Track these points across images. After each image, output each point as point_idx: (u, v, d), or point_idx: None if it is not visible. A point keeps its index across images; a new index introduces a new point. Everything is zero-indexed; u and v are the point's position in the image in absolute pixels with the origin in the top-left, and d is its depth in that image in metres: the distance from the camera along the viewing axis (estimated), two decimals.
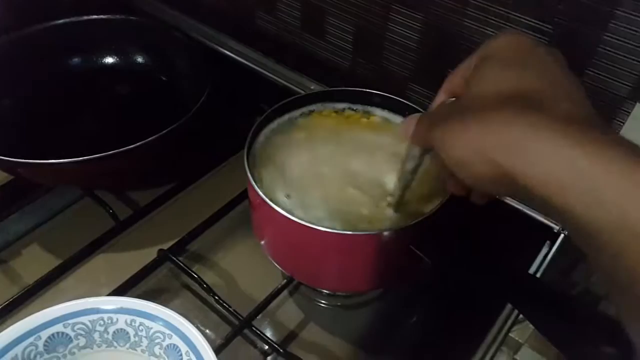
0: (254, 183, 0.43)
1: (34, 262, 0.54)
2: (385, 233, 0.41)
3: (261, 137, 0.49)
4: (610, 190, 0.24)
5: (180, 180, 0.61)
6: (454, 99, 0.37)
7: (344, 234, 0.40)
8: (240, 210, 0.57)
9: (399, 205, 0.44)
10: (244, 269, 0.55)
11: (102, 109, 0.66)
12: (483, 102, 0.30)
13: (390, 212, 0.44)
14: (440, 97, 0.38)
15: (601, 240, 0.24)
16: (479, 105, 0.31)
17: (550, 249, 0.49)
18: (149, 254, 0.53)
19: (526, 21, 0.47)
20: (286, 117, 0.51)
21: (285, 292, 0.52)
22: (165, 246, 0.53)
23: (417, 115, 0.37)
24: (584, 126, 0.27)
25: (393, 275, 0.46)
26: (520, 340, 0.49)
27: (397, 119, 0.51)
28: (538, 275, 0.49)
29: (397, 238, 0.41)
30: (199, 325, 0.49)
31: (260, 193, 0.42)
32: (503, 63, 0.32)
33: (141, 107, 0.66)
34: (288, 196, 0.44)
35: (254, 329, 0.47)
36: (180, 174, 0.62)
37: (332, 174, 0.46)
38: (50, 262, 0.53)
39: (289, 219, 0.40)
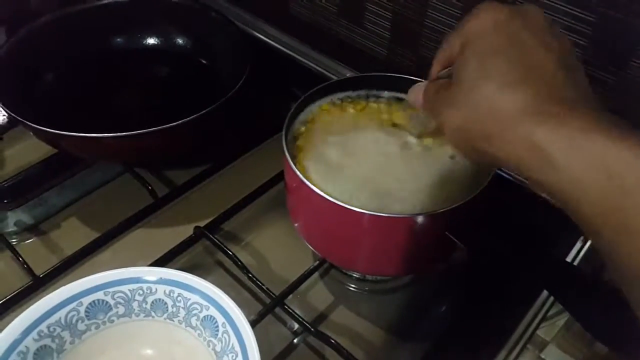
0: (291, 163, 0.43)
1: (73, 234, 0.56)
2: (420, 217, 0.41)
3: (299, 120, 0.49)
4: None
5: (217, 161, 0.62)
6: (448, 69, 0.37)
7: (379, 215, 0.40)
8: (275, 192, 0.58)
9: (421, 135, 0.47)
10: (277, 250, 0.55)
11: (143, 88, 0.67)
12: (475, 97, 0.31)
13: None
14: (435, 68, 0.39)
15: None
16: (459, 94, 0.32)
17: (586, 241, 0.49)
18: (186, 231, 0.54)
19: (566, 9, 0.46)
20: (324, 100, 0.51)
21: (316, 275, 0.52)
22: (202, 224, 0.54)
23: (423, 83, 0.39)
24: (602, 122, 0.27)
25: (426, 260, 0.46)
26: (546, 339, 0.49)
27: None
28: None
29: (432, 222, 0.41)
30: None
31: (298, 172, 0.42)
32: (480, 51, 0.32)
33: (181, 88, 0.67)
34: (325, 177, 0.45)
35: (287, 307, 0.48)
36: (217, 155, 0.63)
37: (369, 158, 0.46)
38: (88, 236, 0.54)
39: (325, 199, 0.41)
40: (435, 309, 0.53)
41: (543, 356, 0.48)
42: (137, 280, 0.42)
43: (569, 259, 0.48)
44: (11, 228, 0.56)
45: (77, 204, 0.59)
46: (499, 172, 0.46)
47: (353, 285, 0.54)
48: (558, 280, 0.37)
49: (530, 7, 0.33)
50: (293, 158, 0.46)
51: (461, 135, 0.33)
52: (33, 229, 0.57)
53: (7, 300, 0.48)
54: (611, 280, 0.49)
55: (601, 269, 0.49)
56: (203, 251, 0.55)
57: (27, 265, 0.51)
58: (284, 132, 0.47)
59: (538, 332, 0.48)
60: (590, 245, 0.49)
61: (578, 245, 0.49)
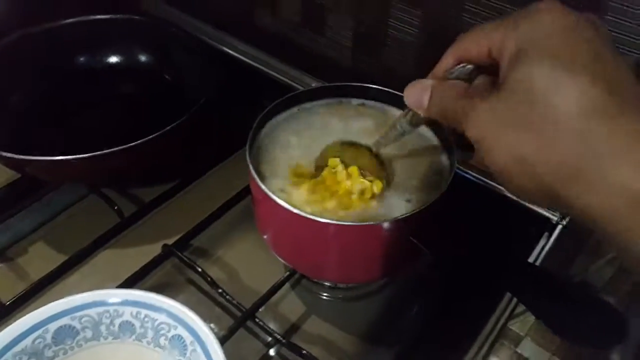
0: (255, 176, 0.43)
1: (41, 259, 0.55)
2: (385, 224, 0.41)
3: (263, 132, 0.50)
4: None
5: (184, 177, 0.62)
6: (469, 66, 0.33)
7: (344, 224, 0.41)
8: (243, 205, 0.58)
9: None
10: (247, 263, 0.55)
11: (107, 107, 0.67)
12: (532, 109, 0.26)
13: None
14: (448, 61, 0.34)
15: None
16: (528, 113, 0.26)
17: (548, 240, 0.50)
18: (154, 250, 0.54)
19: None
20: (288, 112, 0.52)
21: (287, 285, 0.53)
22: (170, 241, 0.54)
23: (426, 81, 0.34)
24: None
25: (393, 265, 0.47)
26: (521, 333, 0.49)
27: (396, 112, 0.52)
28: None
29: (396, 229, 0.42)
30: (204, 319, 0.50)
31: (262, 186, 0.42)
32: (552, 60, 0.26)
33: (146, 105, 0.67)
34: (284, 191, 0.45)
35: (257, 320, 0.48)
36: (184, 171, 0.63)
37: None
38: (56, 259, 0.54)
39: (291, 211, 0.41)
40: (407, 312, 0.53)
41: (519, 350, 0.49)
42: (102, 303, 0.42)
43: (531, 259, 0.49)
44: None
45: (43, 227, 0.58)
46: (458, 171, 0.47)
47: (325, 294, 0.54)
48: (519, 281, 0.37)
49: (595, 17, 0.28)
50: (259, 169, 0.46)
51: (526, 170, 0.26)
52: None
53: None
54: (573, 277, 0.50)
55: (562, 267, 0.51)
56: (173, 269, 0.54)
57: None
58: (248, 145, 0.47)
59: (512, 327, 0.48)
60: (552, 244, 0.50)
61: (540, 244, 0.50)
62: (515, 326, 0.48)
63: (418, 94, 0.35)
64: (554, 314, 0.36)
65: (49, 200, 0.60)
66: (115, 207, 0.57)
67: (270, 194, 0.42)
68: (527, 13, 0.28)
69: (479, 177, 0.53)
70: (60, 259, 0.54)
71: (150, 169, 0.61)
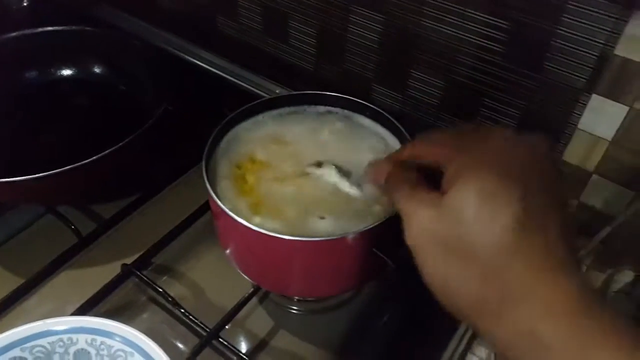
0: (211, 192, 0.42)
1: None
2: (347, 237, 0.40)
3: (222, 144, 0.48)
4: None
5: (144, 192, 0.60)
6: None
7: (306, 240, 0.40)
8: (205, 219, 0.57)
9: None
10: (212, 279, 0.54)
11: (61, 122, 0.65)
12: (460, 236, 0.27)
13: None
14: (404, 154, 0.36)
15: None
16: (456, 238, 0.27)
17: None
18: (114, 269, 0.52)
19: (482, 18, 0.47)
20: (247, 122, 0.50)
21: (254, 300, 0.51)
22: (130, 260, 0.52)
23: (385, 165, 0.36)
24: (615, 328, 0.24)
25: (358, 278, 0.46)
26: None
27: (359, 118, 0.51)
28: None
29: (359, 241, 0.41)
30: (169, 337, 0.49)
31: (219, 203, 0.41)
32: (480, 188, 0.27)
33: (101, 118, 0.65)
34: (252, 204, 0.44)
35: (222, 340, 0.46)
36: (143, 185, 0.61)
37: (294, 176, 0.46)
38: (13, 282, 0.52)
39: (250, 228, 0.40)
40: (378, 320, 0.53)
41: None
42: (54, 332, 0.40)
43: None
44: None
45: None
46: None
47: (294, 307, 0.53)
48: None
49: (537, 141, 0.30)
50: (216, 184, 0.44)
51: (447, 290, 0.28)
52: None
53: None
54: None
55: None
56: (134, 288, 0.53)
57: None
58: (204, 158, 0.45)
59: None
60: None
61: None
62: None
63: (378, 174, 0.37)
64: None
65: (5, 221, 0.57)
66: (73, 227, 0.55)
67: (225, 209, 0.41)
68: (476, 137, 0.31)
69: None
70: (17, 282, 0.52)
71: (108, 184, 0.59)
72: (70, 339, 0.40)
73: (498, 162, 0.28)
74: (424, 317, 0.51)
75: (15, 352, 0.39)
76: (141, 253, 0.53)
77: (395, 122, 0.48)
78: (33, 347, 0.40)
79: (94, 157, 0.49)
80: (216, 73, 0.68)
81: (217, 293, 0.53)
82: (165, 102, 0.56)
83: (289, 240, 0.39)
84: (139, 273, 0.51)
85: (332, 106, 0.52)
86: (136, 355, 0.39)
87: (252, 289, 0.50)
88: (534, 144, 0.30)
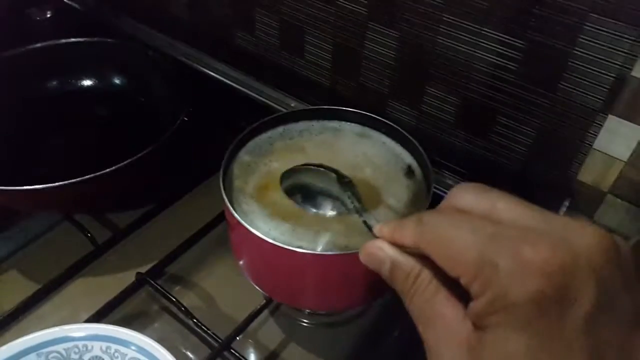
0: (228, 204, 0.43)
1: (13, 288, 0.54)
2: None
3: (239, 157, 0.49)
4: None
5: (160, 202, 0.61)
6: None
7: (320, 254, 0.40)
8: (220, 230, 0.57)
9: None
10: (224, 289, 0.54)
11: (80, 132, 0.66)
12: None
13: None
14: (406, 242, 0.29)
15: None
16: None
17: None
18: (128, 278, 0.52)
19: (497, 37, 0.47)
20: (264, 136, 0.51)
21: (265, 312, 0.52)
22: (144, 269, 0.53)
23: (386, 251, 0.30)
24: None
25: (373, 291, 0.46)
26: None
27: (374, 134, 0.51)
28: None
29: None
30: (180, 347, 0.49)
31: (235, 214, 0.42)
32: (529, 339, 0.22)
33: (120, 129, 0.66)
34: (269, 217, 0.44)
35: (233, 351, 0.47)
36: (159, 196, 0.62)
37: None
38: (29, 288, 0.52)
39: (265, 240, 0.40)
40: (390, 334, 0.52)
41: None
42: (70, 338, 0.40)
43: None
44: None
45: (15, 256, 0.57)
46: (436, 192, 0.46)
47: (305, 320, 0.53)
48: None
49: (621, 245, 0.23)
50: (233, 196, 0.45)
51: None
52: None
53: None
54: None
55: None
56: (147, 297, 0.53)
57: None
58: (221, 170, 0.46)
59: None
60: None
61: None
62: None
63: (377, 262, 0.30)
64: None
65: (21, 228, 0.58)
66: (89, 235, 0.55)
67: (242, 221, 0.41)
68: (513, 243, 0.23)
69: None
70: (33, 288, 0.52)
71: (125, 194, 0.59)
72: (85, 345, 0.41)
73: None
74: None
75: (32, 357, 0.40)
76: (155, 262, 0.54)
77: (411, 138, 0.49)
78: (49, 352, 0.40)
79: (112, 168, 0.50)
80: (233, 86, 0.68)
81: (229, 304, 0.53)
82: (182, 114, 0.57)
83: (303, 253, 0.40)
84: (152, 282, 0.51)
85: (348, 121, 0.53)
86: None
87: (264, 301, 0.50)
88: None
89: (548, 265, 0.21)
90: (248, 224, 0.41)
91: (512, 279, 0.22)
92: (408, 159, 0.49)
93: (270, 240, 0.40)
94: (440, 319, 0.26)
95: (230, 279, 0.55)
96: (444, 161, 0.57)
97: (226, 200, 0.43)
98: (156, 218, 0.60)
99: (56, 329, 0.41)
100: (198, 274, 0.56)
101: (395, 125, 0.50)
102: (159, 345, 0.39)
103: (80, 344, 0.40)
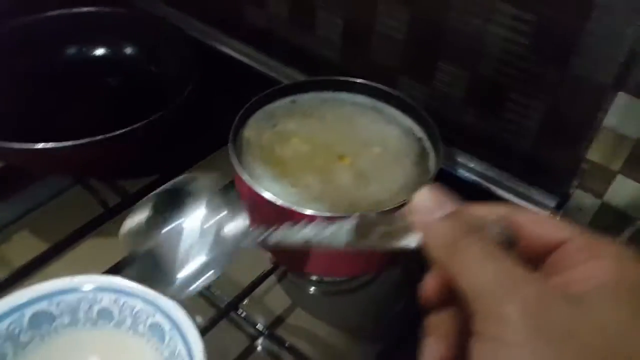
0: (237, 165, 0.43)
1: (24, 247, 0.54)
2: (372, 216, 0.41)
3: (247, 125, 0.49)
4: None
5: (169, 170, 0.61)
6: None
7: (330, 216, 0.41)
8: None
9: None
10: None
11: (92, 99, 0.67)
12: None
13: (378, 193, 0.44)
14: (480, 212, 0.24)
15: None
16: None
17: None
18: None
19: (509, 11, 0.47)
20: (274, 104, 0.51)
21: (272, 278, 0.52)
22: None
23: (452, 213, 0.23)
24: None
25: (382, 259, 0.46)
26: None
27: (385, 107, 0.52)
28: None
29: None
30: (185, 309, 0.50)
31: (244, 175, 0.42)
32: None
33: (131, 97, 0.66)
34: (277, 180, 0.45)
35: (240, 312, 0.47)
36: (168, 165, 0.62)
37: (321, 155, 0.47)
38: (40, 248, 0.53)
39: (274, 203, 0.41)
40: (394, 306, 0.53)
41: None
42: (79, 289, 0.41)
43: None
44: None
45: (27, 217, 0.58)
46: (445, 169, 0.46)
47: (311, 288, 0.53)
48: None
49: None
50: (242, 162, 0.46)
51: None
52: None
53: None
54: None
55: None
56: None
57: None
58: (231, 136, 0.46)
59: None
60: None
61: None
62: None
63: (429, 213, 0.23)
64: None
65: (34, 189, 0.59)
66: (100, 198, 0.56)
67: (251, 183, 0.42)
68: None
69: (467, 174, 0.53)
70: (44, 247, 0.53)
71: (135, 160, 0.60)
72: (94, 297, 0.41)
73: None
74: None
75: (43, 305, 0.40)
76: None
77: (422, 111, 0.49)
78: (60, 302, 0.41)
79: (122, 131, 0.51)
80: (243, 62, 0.69)
81: (235, 271, 0.53)
82: (192, 83, 0.57)
83: (312, 215, 0.40)
84: None
85: (359, 93, 0.53)
86: (157, 315, 0.40)
87: (271, 266, 0.51)
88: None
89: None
90: (257, 188, 0.42)
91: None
92: (419, 133, 0.50)
93: (280, 202, 0.41)
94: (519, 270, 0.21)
95: None
96: (454, 139, 0.57)
97: (236, 162, 0.44)
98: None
99: (67, 279, 0.41)
100: None
101: (406, 98, 0.51)
102: (167, 298, 0.40)
103: (90, 295, 0.41)
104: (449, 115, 0.57)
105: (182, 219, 0.36)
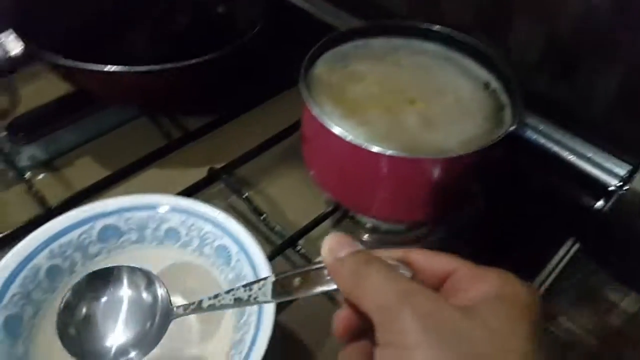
0: (309, 103, 0.43)
1: (86, 172, 0.55)
2: (442, 158, 0.40)
3: (318, 64, 0.49)
4: None
5: (235, 109, 0.62)
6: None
7: (398, 156, 0.40)
8: (291, 142, 0.58)
9: None
10: (289, 198, 0.55)
11: (161, 33, 0.67)
12: None
13: (443, 141, 0.43)
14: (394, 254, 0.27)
15: None
16: None
17: (604, 206, 0.48)
18: (198, 174, 0.54)
19: None
20: (343, 47, 0.51)
21: (328, 223, 0.52)
22: (216, 167, 0.54)
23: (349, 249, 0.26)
24: None
25: (443, 206, 0.45)
26: (555, 311, 0.48)
27: (459, 57, 0.51)
28: None
29: (453, 165, 0.41)
30: None
31: (316, 113, 0.42)
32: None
33: (198, 35, 0.66)
34: (345, 119, 0.44)
35: (298, 248, 0.48)
36: (232, 105, 0.63)
37: (392, 97, 0.46)
38: (101, 174, 0.54)
39: (344, 139, 0.40)
40: None
41: (552, 329, 0.48)
42: (151, 207, 0.42)
43: None
44: (25, 162, 0.56)
45: (91, 143, 0.59)
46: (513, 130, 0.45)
47: (365, 236, 0.53)
48: (587, 227, 0.36)
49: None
50: (312, 99, 0.45)
51: None
52: (46, 165, 0.57)
53: (19, 228, 0.48)
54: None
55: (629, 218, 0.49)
56: (215, 194, 0.54)
57: (40, 196, 0.50)
58: (302, 70, 0.46)
59: (546, 304, 0.47)
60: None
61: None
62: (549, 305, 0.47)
63: (335, 254, 0.27)
64: (623, 266, 0.34)
65: (98, 118, 0.60)
66: (164, 129, 0.57)
67: (322, 120, 0.41)
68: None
69: (535, 136, 0.52)
70: (106, 174, 0.54)
71: (199, 95, 0.60)
72: (163, 216, 0.42)
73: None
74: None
75: (112, 219, 0.41)
76: (227, 162, 0.55)
77: (500, 61, 0.48)
78: (129, 218, 0.42)
79: (193, 61, 0.51)
80: (307, 10, 0.68)
81: (293, 212, 0.54)
82: (258, 26, 0.57)
83: (378, 154, 0.40)
84: (226, 177, 0.52)
85: (434, 41, 0.52)
86: (225, 237, 0.40)
87: (329, 208, 0.51)
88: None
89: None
90: (328, 123, 0.41)
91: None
92: (495, 85, 0.48)
93: (349, 139, 0.40)
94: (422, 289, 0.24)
95: (296, 189, 0.55)
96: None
97: (307, 97, 0.43)
98: (230, 123, 0.61)
99: (139, 196, 0.42)
100: (265, 180, 0.56)
101: (484, 47, 0.49)
102: (237, 223, 0.40)
103: (159, 214, 0.42)
104: (520, 78, 0.56)
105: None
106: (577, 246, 0.43)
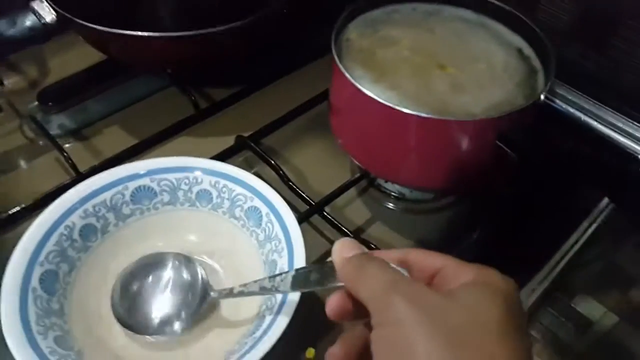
0: (341, 66, 0.43)
1: (115, 140, 0.56)
2: (472, 121, 0.40)
3: (349, 29, 0.49)
4: None
5: (263, 79, 0.63)
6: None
7: (428, 118, 0.40)
8: (318, 111, 0.58)
9: None
10: (315, 167, 0.55)
11: (191, 1, 0.66)
12: None
13: (471, 105, 0.43)
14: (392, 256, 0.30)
15: None
16: None
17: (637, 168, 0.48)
18: (226, 142, 0.54)
19: None
20: (374, 12, 0.50)
21: (353, 191, 0.52)
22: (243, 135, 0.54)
23: (357, 254, 0.29)
24: None
25: (472, 173, 0.45)
26: (577, 287, 0.48)
27: (491, 23, 0.50)
28: None
29: (484, 128, 0.40)
30: None
31: (347, 76, 0.42)
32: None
33: (230, 1, 0.65)
34: (375, 83, 0.44)
35: (326, 214, 0.48)
36: (260, 75, 0.63)
37: (423, 62, 0.46)
38: (129, 142, 0.55)
39: (377, 102, 0.40)
40: (468, 233, 0.52)
41: (573, 305, 0.47)
42: (183, 169, 0.42)
43: None
44: (54, 131, 0.57)
45: (120, 113, 0.59)
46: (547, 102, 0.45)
47: (391, 204, 0.53)
48: (621, 187, 0.35)
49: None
50: (343, 63, 0.45)
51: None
52: (75, 134, 0.57)
53: (52, 192, 0.49)
54: None
55: None
56: (242, 162, 0.55)
57: (71, 162, 0.51)
58: (333, 35, 0.46)
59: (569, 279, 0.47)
60: None
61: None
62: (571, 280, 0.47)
63: (344, 255, 0.30)
64: None
65: (128, 87, 0.61)
66: (192, 98, 0.57)
67: (353, 81, 0.41)
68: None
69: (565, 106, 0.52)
70: (134, 142, 0.55)
71: (230, 61, 0.60)
72: (195, 178, 0.42)
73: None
74: (521, 240, 0.50)
75: (145, 180, 0.42)
76: (254, 131, 0.55)
77: (533, 25, 0.47)
78: (161, 179, 0.42)
79: (223, 27, 0.51)
80: None
81: (319, 180, 0.54)
82: None
83: (409, 115, 0.40)
84: (253, 145, 0.53)
85: (466, 7, 0.51)
86: (256, 199, 0.41)
87: (356, 176, 0.51)
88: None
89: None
90: (360, 86, 0.41)
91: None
92: (527, 51, 0.48)
93: (381, 101, 0.40)
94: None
95: (322, 158, 0.56)
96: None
97: (338, 61, 0.43)
98: (257, 93, 0.62)
99: (171, 158, 0.42)
100: (291, 149, 0.57)
101: (517, 12, 0.48)
102: (268, 186, 0.40)
103: (191, 176, 0.42)
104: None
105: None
106: (611, 206, 0.43)
